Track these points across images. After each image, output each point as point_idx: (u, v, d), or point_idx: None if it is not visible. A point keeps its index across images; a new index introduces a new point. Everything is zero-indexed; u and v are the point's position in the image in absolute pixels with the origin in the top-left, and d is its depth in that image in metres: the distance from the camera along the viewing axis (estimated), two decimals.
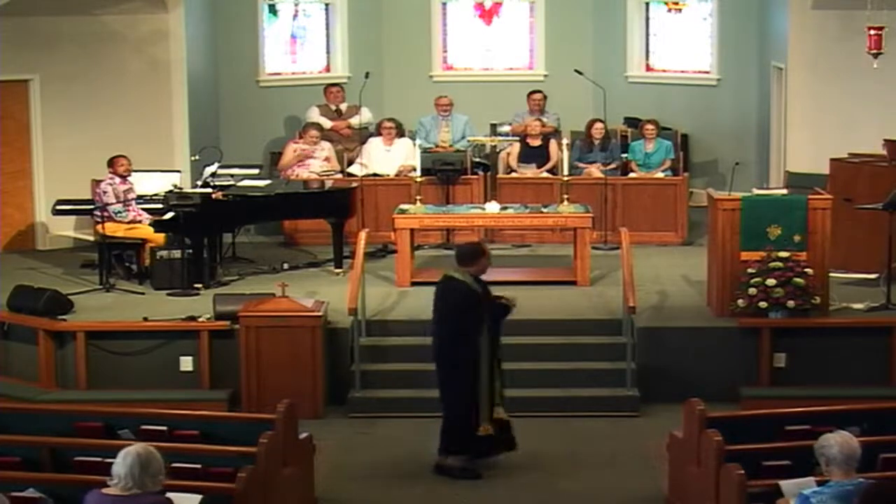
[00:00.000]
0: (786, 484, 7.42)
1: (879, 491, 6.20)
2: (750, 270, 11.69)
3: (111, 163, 13.59)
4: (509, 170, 15.58)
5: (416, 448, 10.55)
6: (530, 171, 15.47)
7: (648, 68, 17.86)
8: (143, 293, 13.00)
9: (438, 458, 10.10)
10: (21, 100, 15.04)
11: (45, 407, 9.42)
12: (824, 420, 8.54)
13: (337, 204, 13.96)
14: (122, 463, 6.58)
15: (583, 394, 11.40)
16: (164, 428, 8.77)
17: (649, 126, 15.77)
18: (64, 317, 12.07)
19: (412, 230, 13.31)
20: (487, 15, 18.29)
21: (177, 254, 13.05)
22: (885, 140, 13.47)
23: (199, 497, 7.35)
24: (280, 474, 8.60)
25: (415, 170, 14.16)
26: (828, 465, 6.68)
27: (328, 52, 17.80)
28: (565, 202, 13.45)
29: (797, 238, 11.79)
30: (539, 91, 16.46)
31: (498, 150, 15.31)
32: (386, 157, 15.61)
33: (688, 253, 14.49)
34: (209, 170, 14.22)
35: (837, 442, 6.66)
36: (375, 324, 12.05)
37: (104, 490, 6.63)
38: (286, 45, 17.67)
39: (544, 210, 13.58)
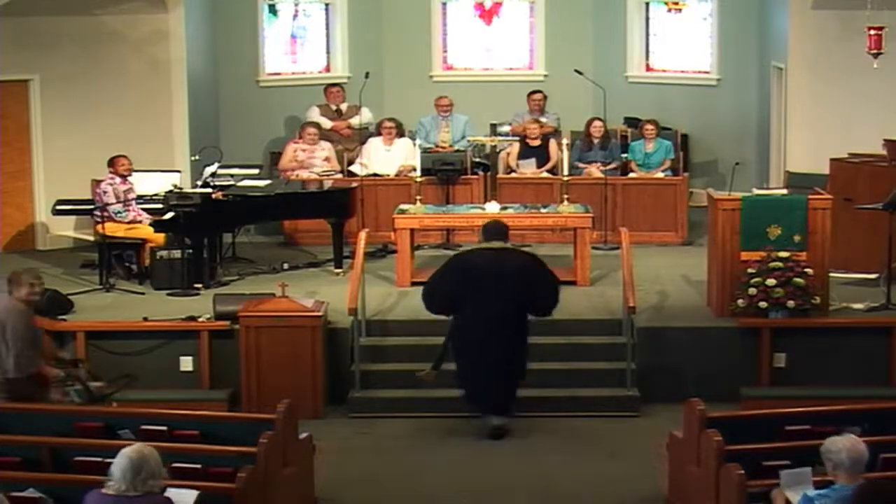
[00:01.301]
0: (785, 473, 7.40)
1: (877, 490, 6.20)
2: (750, 270, 11.69)
3: (111, 163, 13.59)
4: (509, 170, 15.57)
5: (416, 448, 10.55)
6: (530, 170, 15.45)
7: (648, 68, 17.85)
8: (143, 293, 12.99)
9: (498, 422, 10.68)
10: (21, 100, 15.02)
11: (45, 407, 9.40)
12: (824, 420, 8.54)
13: (337, 204, 13.96)
14: (116, 464, 6.58)
15: (583, 394, 11.40)
16: (164, 428, 8.76)
17: (649, 126, 15.76)
18: (64, 317, 12.06)
19: (412, 230, 13.30)
20: (487, 15, 18.28)
21: (177, 254, 13.05)
22: (885, 140, 13.46)
23: (195, 493, 7.34)
24: (280, 474, 8.60)
25: (415, 170, 14.15)
26: (834, 469, 6.67)
27: (328, 52, 17.79)
28: (565, 202, 13.45)
29: (797, 238, 11.79)
30: (539, 91, 16.45)
31: (498, 150, 15.29)
32: (386, 157, 15.60)
33: (688, 253, 14.48)
34: (209, 170, 14.20)
35: (845, 447, 6.64)
36: (375, 324, 12.04)
37: (104, 490, 6.64)
38: (286, 45, 17.66)
39: (544, 210, 13.58)
